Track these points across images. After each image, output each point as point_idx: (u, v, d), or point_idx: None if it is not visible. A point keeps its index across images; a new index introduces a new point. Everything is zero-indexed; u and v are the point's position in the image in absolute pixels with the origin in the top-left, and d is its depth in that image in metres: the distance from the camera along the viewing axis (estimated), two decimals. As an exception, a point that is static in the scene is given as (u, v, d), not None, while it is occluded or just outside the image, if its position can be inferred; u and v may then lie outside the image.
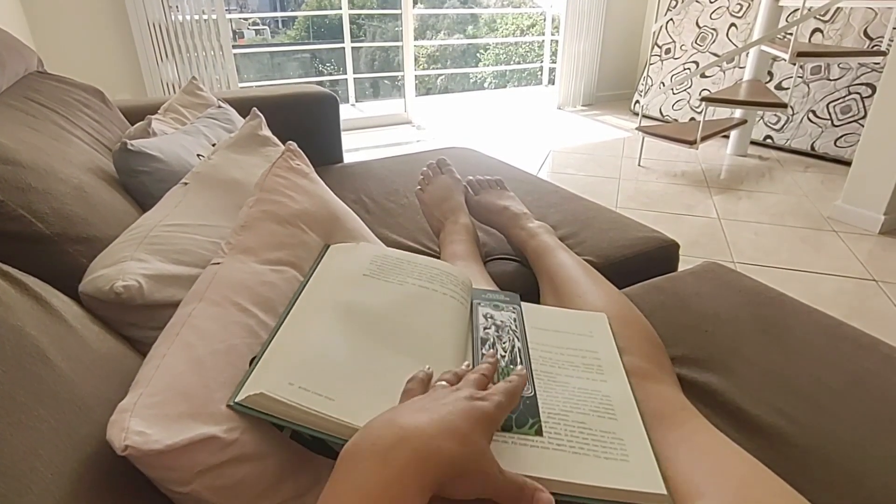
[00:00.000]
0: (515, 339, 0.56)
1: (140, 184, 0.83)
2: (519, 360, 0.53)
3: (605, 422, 0.47)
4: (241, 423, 0.39)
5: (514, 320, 0.60)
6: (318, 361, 0.44)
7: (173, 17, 2.88)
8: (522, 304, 0.64)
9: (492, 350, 0.53)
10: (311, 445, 0.46)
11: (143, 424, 0.34)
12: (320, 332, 0.48)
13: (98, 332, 0.48)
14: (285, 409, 0.39)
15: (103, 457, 0.36)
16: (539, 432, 0.44)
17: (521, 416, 0.45)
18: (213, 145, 1.01)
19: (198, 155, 0.94)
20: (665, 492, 0.40)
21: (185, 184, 0.75)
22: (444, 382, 0.40)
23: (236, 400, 0.40)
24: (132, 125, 1.13)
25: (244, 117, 1.01)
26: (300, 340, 0.47)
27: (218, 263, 0.53)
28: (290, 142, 0.73)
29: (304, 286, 0.56)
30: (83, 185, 0.69)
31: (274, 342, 0.47)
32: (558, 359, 0.55)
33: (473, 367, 0.48)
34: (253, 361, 0.45)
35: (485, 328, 0.57)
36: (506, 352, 0.54)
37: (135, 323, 0.55)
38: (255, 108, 0.92)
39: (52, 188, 0.62)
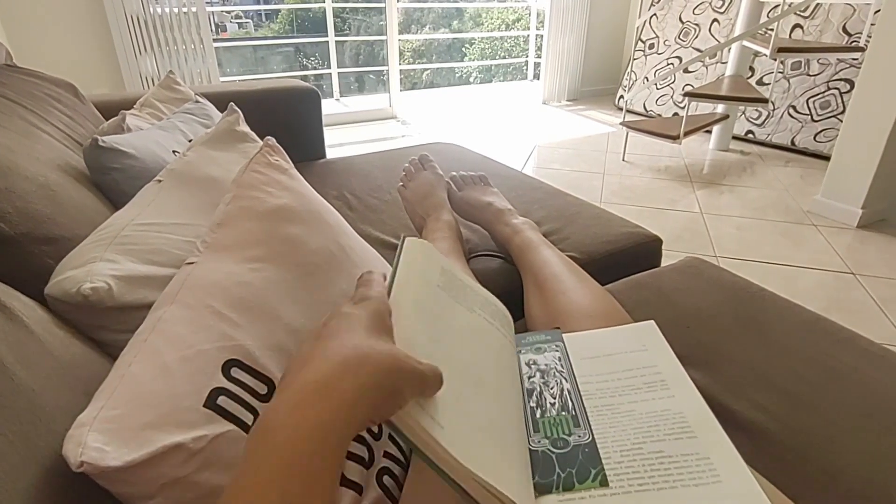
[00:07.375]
0: (563, 381, 0.51)
1: (112, 181, 0.80)
2: (570, 403, 0.48)
3: (684, 443, 0.42)
4: (209, 431, 0.38)
5: (559, 360, 0.54)
6: None
7: (152, 10, 2.82)
8: (564, 335, 0.58)
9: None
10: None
11: (101, 440, 0.32)
12: (425, 347, 0.42)
13: (63, 337, 0.47)
14: (404, 415, 0.35)
15: (63, 470, 0.34)
16: (604, 482, 0.39)
17: (581, 468, 0.40)
18: (190, 141, 0.99)
19: (173, 151, 0.92)
20: None
21: (159, 181, 0.72)
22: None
23: None
24: (107, 120, 1.10)
25: (223, 112, 0.99)
26: (408, 347, 0.41)
27: (193, 263, 0.51)
28: (269, 137, 0.71)
29: (394, 277, 0.49)
30: (50, 183, 0.67)
31: None
32: (616, 386, 0.49)
33: (526, 419, 0.45)
34: None
35: (529, 377, 0.52)
36: (555, 398, 0.49)
37: (104, 326, 0.53)
38: (232, 103, 0.89)
39: (16, 186, 0.60)
